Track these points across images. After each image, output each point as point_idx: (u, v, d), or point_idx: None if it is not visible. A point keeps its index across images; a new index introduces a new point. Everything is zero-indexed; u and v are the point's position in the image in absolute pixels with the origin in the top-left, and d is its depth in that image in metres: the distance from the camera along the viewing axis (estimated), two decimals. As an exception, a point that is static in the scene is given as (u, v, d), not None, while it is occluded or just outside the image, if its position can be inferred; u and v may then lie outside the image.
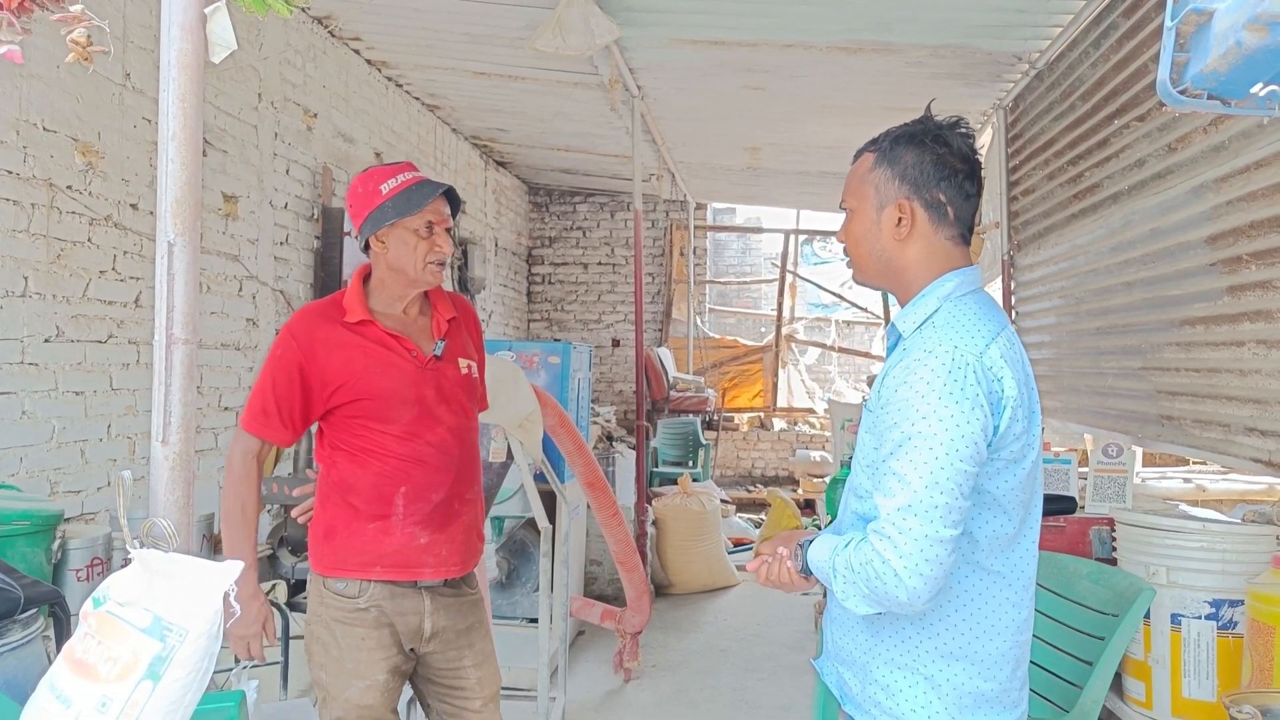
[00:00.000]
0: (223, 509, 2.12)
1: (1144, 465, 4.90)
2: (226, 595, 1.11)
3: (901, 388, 1.40)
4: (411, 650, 2.14)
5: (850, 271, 1.65)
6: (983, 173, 1.56)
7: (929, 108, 1.60)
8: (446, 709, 2.20)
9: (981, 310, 1.48)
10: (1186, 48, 1.22)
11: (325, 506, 2.11)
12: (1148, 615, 2.45)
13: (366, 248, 2.11)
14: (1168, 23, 1.23)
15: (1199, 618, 2.40)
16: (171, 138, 1.16)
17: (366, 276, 2.15)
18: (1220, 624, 2.38)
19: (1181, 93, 1.24)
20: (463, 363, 2.19)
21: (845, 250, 1.62)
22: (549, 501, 3.79)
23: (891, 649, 1.50)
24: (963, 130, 1.53)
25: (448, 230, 2.10)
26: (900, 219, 1.51)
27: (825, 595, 1.62)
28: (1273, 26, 1.06)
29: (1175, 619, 2.43)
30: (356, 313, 2.07)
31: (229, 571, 1.12)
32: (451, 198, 2.13)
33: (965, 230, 1.54)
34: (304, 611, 3.46)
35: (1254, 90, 1.18)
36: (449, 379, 2.15)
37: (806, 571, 1.52)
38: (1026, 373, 1.48)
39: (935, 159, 1.50)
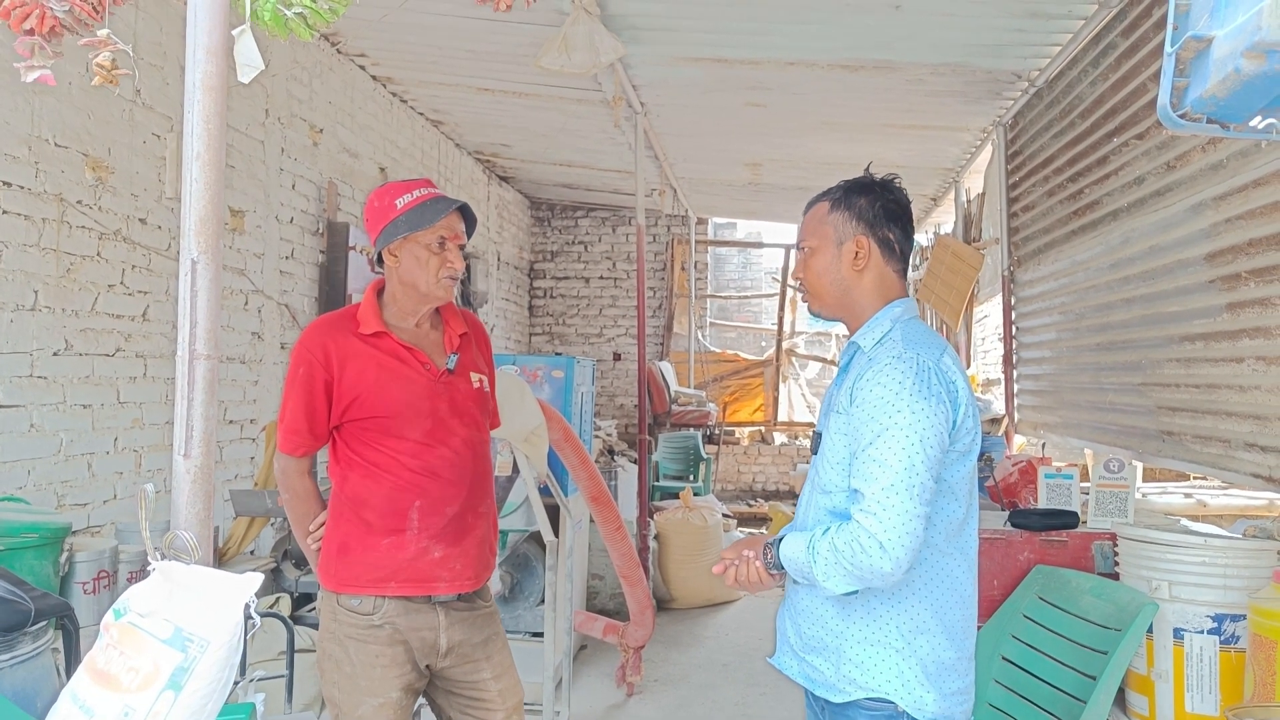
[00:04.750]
0: (293, 528, 2.21)
1: (1145, 480, 4.91)
2: (247, 607, 1.13)
3: (876, 388, 1.63)
4: (426, 667, 2.14)
5: (806, 305, 1.95)
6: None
7: (868, 169, 1.91)
8: None
9: (927, 331, 1.79)
10: (1186, 73, 1.25)
11: (338, 523, 2.11)
12: (1150, 630, 2.47)
13: (380, 261, 2.13)
14: (1168, 48, 1.26)
15: (1201, 632, 2.41)
16: (196, 158, 1.19)
17: (380, 290, 2.17)
18: (1223, 639, 2.39)
19: (1181, 116, 1.28)
20: (474, 377, 2.21)
21: (803, 284, 1.89)
22: (552, 515, 3.80)
23: (864, 628, 1.69)
24: (899, 185, 1.87)
25: (461, 247, 2.11)
26: (858, 253, 1.80)
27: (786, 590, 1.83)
28: (1270, 54, 1.09)
29: (1178, 634, 2.44)
30: (371, 324, 2.09)
31: (249, 584, 1.14)
32: (467, 214, 2.15)
33: (906, 265, 1.86)
34: (309, 625, 3.46)
35: (1252, 123, 1.21)
36: (461, 392, 2.16)
37: (777, 567, 1.71)
38: (967, 380, 1.76)
39: (885, 204, 1.81)
